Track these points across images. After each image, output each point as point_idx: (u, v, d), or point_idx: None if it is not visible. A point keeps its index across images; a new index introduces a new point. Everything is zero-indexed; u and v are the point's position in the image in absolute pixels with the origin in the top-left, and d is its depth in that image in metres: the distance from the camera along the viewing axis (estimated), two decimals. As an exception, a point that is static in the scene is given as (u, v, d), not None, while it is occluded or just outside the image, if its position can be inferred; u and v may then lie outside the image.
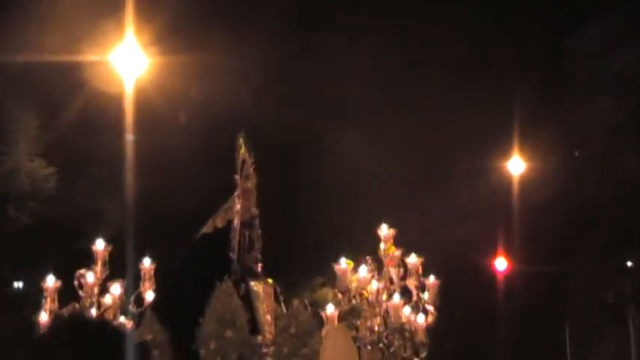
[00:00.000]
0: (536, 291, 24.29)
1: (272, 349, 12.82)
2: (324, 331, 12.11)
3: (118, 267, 14.09)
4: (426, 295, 13.76)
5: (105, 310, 12.63)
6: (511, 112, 23.60)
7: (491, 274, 23.79)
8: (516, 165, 23.74)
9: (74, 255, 20.34)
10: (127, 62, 16.08)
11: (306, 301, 13.97)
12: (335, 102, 22.53)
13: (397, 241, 14.25)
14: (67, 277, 21.07)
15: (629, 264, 24.28)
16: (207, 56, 20.51)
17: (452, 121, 22.73)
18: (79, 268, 20.93)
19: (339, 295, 13.14)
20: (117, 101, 17.22)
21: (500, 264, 23.47)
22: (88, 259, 20.59)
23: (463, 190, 22.64)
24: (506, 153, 23.82)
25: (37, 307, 20.32)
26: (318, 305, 13.76)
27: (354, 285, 13.17)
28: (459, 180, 22.85)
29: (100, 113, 19.20)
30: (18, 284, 20.57)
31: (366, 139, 21.93)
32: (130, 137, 15.68)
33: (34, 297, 20.58)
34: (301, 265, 20.86)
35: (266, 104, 21.62)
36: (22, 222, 18.15)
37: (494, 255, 23.82)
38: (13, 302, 20.20)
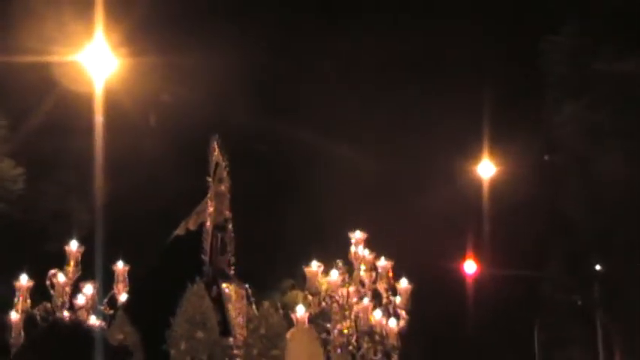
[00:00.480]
0: (505, 294, 24.37)
1: (242, 350, 12.79)
2: (289, 334, 12.08)
3: (87, 268, 14.01)
4: (398, 299, 13.75)
5: (77, 311, 12.56)
6: (481, 115, 23.67)
7: (460, 277, 23.85)
8: (486, 168, 23.81)
9: (42, 256, 20.22)
10: (97, 63, 16.00)
11: (278, 304, 13.94)
12: (308, 107, 22.53)
13: (368, 245, 14.25)
14: (36, 277, 20.94)
15: (598, 268, 24.41)
16: (178, 58, 20.46)
17: (422, 124, 22.77)
18: (48, 269, 20.82)
19: (310, 298, 13.11)
20: (86, 102, 17.14)
21: (470, 267, 23.53)
22: (56, 261, 20.46)
23: (433, 194, 22.71)
24: (476, 156, 23.90)
25: (5, 307, 20.23)
26: (288, 307, 13.72)
27: (324, 288, 13.14)
28: (429, 184, 22.91)
29: (69, 114, 19.11)
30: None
31: (338, 144, 21.94)
32: (99, 119, 15.63)
33: (1, 297, 20.46)
34: (271, 268, 20.83)
35: (237, 107, 21.57)
36: (-12, 223, 18.01)
37: (463, 258, 23.89)
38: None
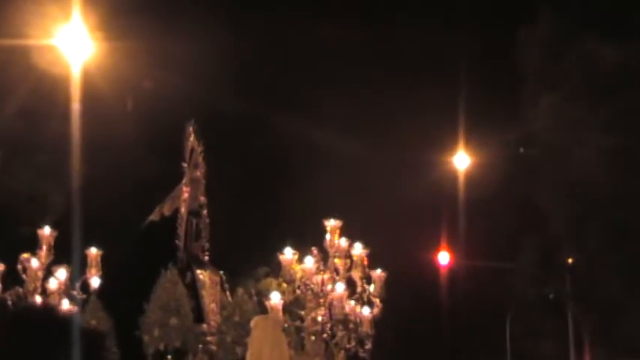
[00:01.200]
0: (478, 285, 24.46)
1: (216, 337, 12.79)
2: (253, 321, 12.07)
3: (60, 253, 13.96)
4: (372, 288, 13.78)
5: (49, 295, 12.52)
6: (457, 107, 23.73)
7: (434, 267, 23.88)
8: (462, 160, 23.85)
9: (15, 240, 20.12)
10: (74, 46, 15.90)
11: (252, 291, 13.94)
12: (285, 93, 22.52)
13: (343, 233, 14.27)
14: (8, 262, 20.83)
15: (570, 261, 24.53)
16: (156, 42, 20.39)
17: (399, 115, 22.81)
18: (20, 253, 20.73)
19: (284, 285, 13.12)
20: (62, 86, 17.04)
21: (443, 258, 23.57)
22: (29, 245, 20.39)
23: (408, 184, 22.76)
24: (451, 148, 23.94)
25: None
26: (262, 295, 13.72)
27: (298, 275, 13.15)
28: (405, 174, 22.95)
29: (45, 98, 19.00)
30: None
31: (315, 131, 21.93)
32: (76, 106, 15.54)
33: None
34: (246, 255, 20.82)
35: (214, 93, 21.52)
36: (-37, 205, 17.90)
37: (437, 249, 23.92)
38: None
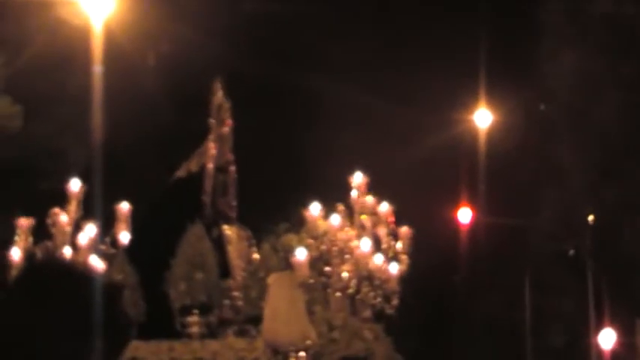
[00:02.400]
0: (498, 242, 24.46)
1: (241, 292, 12.80)
2: (270, 278, 12.06)
3: (83, 206, 13.99)
4: (399, 244, 13.78)
5: (78, 251, 12.57)
6: (478, 64, 23.58)
7: (454, 225, 23.90)
8: (483, 118, 23.78)
9: (38, 195, 20.19)
10: (95, 1, 15.87)
11: (277, 246, 13.93)
12: (308, 51, 22.41)
13: (368, 190, 14.25)
14: (32, 216, 20.91)
15: (591, 218, 24.50)
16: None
17: (419, 73, 22.68)
18: (44, 207, 20.82)
19: (309, 241, 13.11)
20: (84, 40, 17.00)
21: (464, 215, 23.57)
22: (52, 199, 20.47)
23: (429, 142, 22.69)
24: (472, 106, 23.85)
25: (4, 245, 20.22)
26: (288, 251, 13.71)
27: (323, 231, 13.15)
28: (425, 132, 22.87)
29: (66, 51, 18.95)
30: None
31: (338, 89, 21.86)
32: (97, 69, 15.52)
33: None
34: (266, 211, 20.87)
35: (240, 49, 21.43)
36: (-14, 160, 17.94)
37: (457, 206, 23.92)
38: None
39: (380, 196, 14.21)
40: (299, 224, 15.26)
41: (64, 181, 20.23)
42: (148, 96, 20.97)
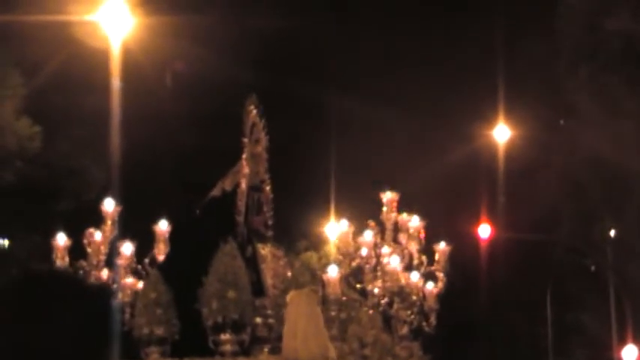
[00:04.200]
0: (518, 258, 24.38)
1: (275, 310, 12.74)
2: (288, 296, 12.02)
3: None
4: (424, 259, 13.71)
5: (115, 269, 12.63)
6: (497, 79, 23.56)
7: (474, 240, 23.82)
8: (502, 132, 23.75)
9: (58, 214, 20.28)
10: (114, 22, 15.95)
11: (308, 264, 13.88)
12: (330, 67, 22.46)
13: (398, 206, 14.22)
14: (49, 236, 21.00)
15: (612, 233, 24.38)
16: (196, 17, 20.36)
17: (439, 88, 22.69)
18: (63, 227, 20.90)
19: (341, 258, 13.08)
20: (102, 60, 17.08)
21: (484, 231, 23.50)
22: (71, 219, 20.54)
23: (448, 157, 22.67)
24: (491, 120, 23.83)
25: (22, 264, 20.34)
26: (319, 268, 13.65)
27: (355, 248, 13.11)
28: (445, 148, 22.86)
29: (84, 72, 19.05)
30: (3, 242, 20.52)
31: (355, 104, 21.89)
32: (116, 83, 15.58)
33: (18, 254, 20.54)
34: (285, 228, 20.89)
35: (256, 68, 21.46)
36: (6, 180, 18.00)
37: (478, 222, 23.84)
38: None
39: (409, 212, 14.18)
40: (317, 241, 15.23)
41: (83, 200, 20.39)
42: (165, 115, 21.04)
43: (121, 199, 16.91)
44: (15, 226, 20.11)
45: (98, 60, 17.53)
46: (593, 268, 25.10)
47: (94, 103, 18.61)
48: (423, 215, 14.15)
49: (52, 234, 20.68)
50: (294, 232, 20.87)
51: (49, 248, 20.69)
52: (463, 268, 22.98)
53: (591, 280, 24.76)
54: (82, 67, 18.89)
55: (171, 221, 13.43)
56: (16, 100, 18.06)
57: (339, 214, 14.31)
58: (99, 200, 19.75)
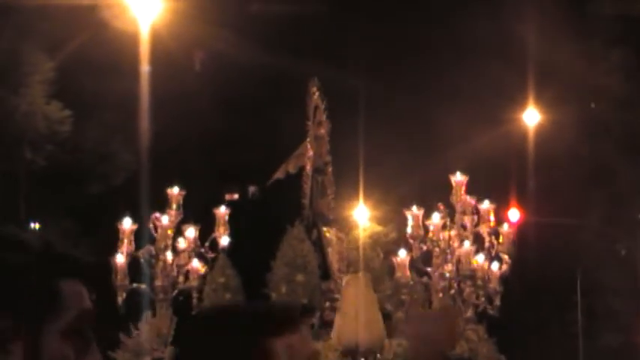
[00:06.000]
0: (548, 243, 24.23)
1: (341, 294, 12.67)
2: (344, 281, 11.97)
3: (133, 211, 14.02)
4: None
5: (179, 254, 12.65)
6: (527, 61, 23.39)
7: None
8: (531, 116, 23.61)
9: (88, 198, 20.38)
10: (143, 4, 15.95)
11: (378, 247, 13.79)
12: (359, 52, 22.40)
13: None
14: (82, 219, 21.12)
15: (643, 217, 24.24)
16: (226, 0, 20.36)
17: (469, 71, 22.55)
18: (94, 210, 21.04)
19: (411, 241, 12.98)
20: (131, 46, 17.11)
21: (513, 215, 23.35)
22: (101, 202, 20.63)
23: (478, 141, 22.53)
24: (521, 104, 23.68)
25: (49, 248, 20.40)
26: (389, 252, 13.56)
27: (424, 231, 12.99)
28: (475, 132, 22.71)
29: (113, 55, 19.07)
30: (34, 226, 20.64)
31: (381, 85, 21.81)
32: (145, 68, 15.60)
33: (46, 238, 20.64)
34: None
35: (287, 53, 21.37)
36: (38, 165, 18.10)
37: (507, 206, 23.69)
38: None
39: (423, 197, 14.06)
40: (345, 226, 15.07)
41: (113, 184, 20.46)
42: (194, 99, 21.05)
43: (150, 183, 16.96)
44: (46, 210, 20.23)
45: (127, 43, 17.56)
46: (623, 252, 24.97)
47: (123, 87, 18.66)
48: (449, 200, 13.98)
49: (84, 218, 20.85)
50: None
51: (79, 233, 20.89)
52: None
53: (622, 265, 24.61)
54: (110, 50, 18.93)
55: (201, 205, 13.38)
56: (46, 85, 18.13)
57: (372, 198, 14.18)
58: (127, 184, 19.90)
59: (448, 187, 13.77)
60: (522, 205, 23.73)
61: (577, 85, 24.16)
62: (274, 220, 13.69)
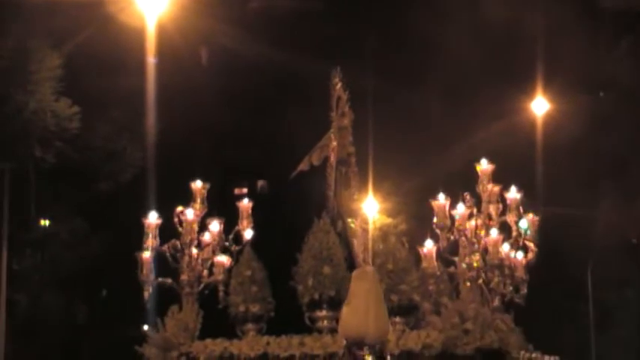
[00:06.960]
0: (559, 233, 24.16)
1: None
2: (353, 274, 11.94)
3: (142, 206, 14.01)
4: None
5: (204, 248, 12.63)
6: (536, 50, 23.32)
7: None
8: (540, 105, 23.54)
9: (97, 194, 20.37)
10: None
11: (403, 239, 13.73)
12: (370, 47, 22.38)
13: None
14: (92, 216, 21.11)
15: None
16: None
17: (477, 60, 22.50)
18: (103, 207, 21.03)
19: (438, 232, 12.93)
20: (137, 39, 17.08)
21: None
22: (110, 199, 20.61)
23: (487, 131, 22.49)
24: (530, 93, 23.60)
25: (62, 246, 20.44)
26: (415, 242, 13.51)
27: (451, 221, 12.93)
28: (483, 121, 22.67)
29: (120, 52, 19.03)
30: (44, 223, 20.66)
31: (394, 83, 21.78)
32: (151, 60, 15.58)
33: (58, 235, 20.63)
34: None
35: (292, 48, 21.31)
36: (47, 162, 18.05)
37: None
38: (38, 241, 20.26)
39: (426, 185, 13.99)
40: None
41: (121, 181, 20.44)
42: (201, 94, 21.02)
43: (157, 179, 16.88)
44: (56, 207, 20.23)
45: (134, 39, 17.52)
46: (634, 241, 24.91)
47: (130, 83, 18.64)
48: (459, 190, 13.91)
49: (93, 215, 20.86)
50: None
51: (89, 229, 20.88)
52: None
53: (633, 256, 24.55)
54: (117, 46, 18.87)
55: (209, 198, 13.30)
56: (54, 82, 18.08)
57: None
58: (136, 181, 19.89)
59: (463, 177, 13.72)
60: (532, 195, 23.68)
61: (586, 75, 24.13)
62: (290, 213, 13.68)
